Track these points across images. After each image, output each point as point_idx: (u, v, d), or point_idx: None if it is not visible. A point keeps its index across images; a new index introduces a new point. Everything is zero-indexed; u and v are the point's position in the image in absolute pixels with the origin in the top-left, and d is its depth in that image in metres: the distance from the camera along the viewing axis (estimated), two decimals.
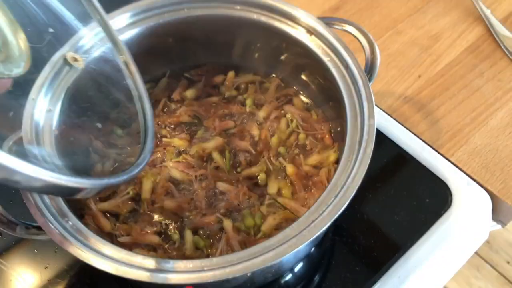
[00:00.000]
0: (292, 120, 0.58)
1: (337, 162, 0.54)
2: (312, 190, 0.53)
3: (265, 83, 0.62)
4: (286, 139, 0.57)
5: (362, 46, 0.51)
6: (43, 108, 0.48)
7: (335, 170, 0.52)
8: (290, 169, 0.54)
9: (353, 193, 0.40)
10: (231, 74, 0.62)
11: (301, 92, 0.61)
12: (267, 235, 0.48)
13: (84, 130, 0.57)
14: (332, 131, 0.57)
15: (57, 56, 0.50)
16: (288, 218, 0.50)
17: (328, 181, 0.52)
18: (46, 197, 0.42)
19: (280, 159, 0.55)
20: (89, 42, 0.53)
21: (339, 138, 0.54)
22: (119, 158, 0.55)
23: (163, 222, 0.51)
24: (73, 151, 0.52)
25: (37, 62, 0.51)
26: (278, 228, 0.50)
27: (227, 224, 0.49)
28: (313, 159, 0.55)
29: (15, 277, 0.54)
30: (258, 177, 0.54)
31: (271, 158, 0.55)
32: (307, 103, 0.60)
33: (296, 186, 0.53)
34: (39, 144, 0.45)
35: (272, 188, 0.53)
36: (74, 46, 0.51)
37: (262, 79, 0.62)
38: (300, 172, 0.54)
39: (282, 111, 0.59)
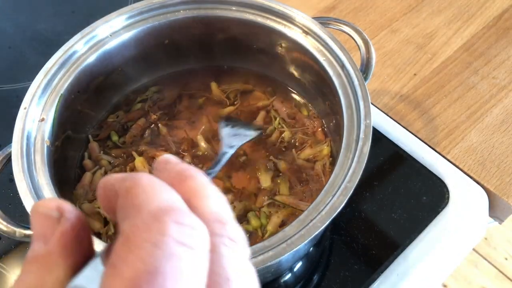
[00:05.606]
0: (275, 118, 0.59)
1: (331, 155, 0.55)
2: (310, 184, 0.53)
3: (255, 91, 0.62)
4: (266, 138, 0.57)
5: (358, 45, 0.51)
6: (36, 118, 0.48)
7: (330, 163, 0.52)
8: (283, 165, 0.54)
9: (351, 192, 0.40)
10: (214, 86, 0.62)
11: (296, 92, 0.61)
12: (274, 234, 0.49)
13: (80, 134, 0.57)
14: (325, 126, 0.57)
15: (50, 63, 0.51)
16: (291, 214, 0.51)
17: (324, 173, 0.53)
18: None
19: (271, 157, 0.55)
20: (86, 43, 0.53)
21: (333, 132, 0.55)
22: (109, 167, 0.55)
23: None
24: (64, 161, 0.52)
25: (30, 71, 0.51)
26: (283, 225, 0.50)
27: None
28: (306, 153, 0.55)
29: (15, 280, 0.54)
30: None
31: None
32: (303, 104, 0.60)
33: (291, 181, 0.53)
34: (29, 157, 0.45)
35: (265, 182, 0.53)
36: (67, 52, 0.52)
37: (253, 88, 0.62)
38: (293, 167, 0.54)
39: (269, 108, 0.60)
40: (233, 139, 0.50)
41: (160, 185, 0.18)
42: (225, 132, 0.52)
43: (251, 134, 0.53)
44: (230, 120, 0.55)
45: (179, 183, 0.19)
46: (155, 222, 0.16)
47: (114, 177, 0.19)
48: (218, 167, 0.46)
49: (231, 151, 0.48)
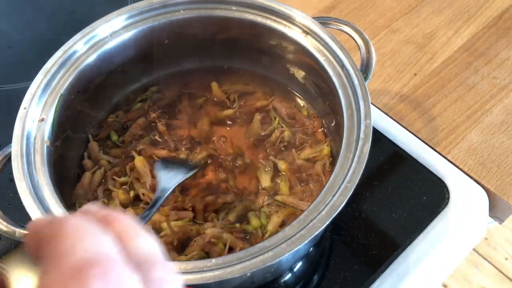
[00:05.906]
0: (275, 118, 0.58)
1: (331, 155, 0.55)
2: (310, 184, 0.53)
3: (255, 93, 0.62)
4: (265, 138, 0.57)
5: (358, 45, 0.51)
6: (36, 118, 0.48)
7: (330, 163, 0.52)
8: (283, 165, 0.54)
9: (351, 192, 0.40)
10: (214, 86, 0.62)
11: (297, 93, 0.61)
12: (274, 234, 0.49)
13: (79, 133, 0.57)
14: (325, 126, 0.57)
15: (50, 63, 0.51)
16: (291, 214, 0.51)
17: (324, 173, 0.53)
18: (44, 200, 0.43)
19: (271, 157, 0.55)
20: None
21: (333, 132, 0.55)
22: (108, 167, 0.55)
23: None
24: (64, 161, 0.52)
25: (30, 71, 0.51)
26: (283, 225, 0.50)
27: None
28: (306, 153, 0.55)
29: (14, 280, 0.54)
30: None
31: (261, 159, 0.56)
32: (303, 104, 0.60)
33: (291, 181, 0.53)
34: (28, 157, 0.45)
35: (265, 182, 0.53)
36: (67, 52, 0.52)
37: (253, 89, 0.62)
38: (293, 167, 0.54)
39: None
40: (169, 181, 0.49)
41: (89, 229, 0.17)
42: (161, 174, 0.50)
43: (188, 173, 0.52)
44: (166, 161, 0.54)
45: (106, 227, 0.18)
46: (76, 278, 0.14)
47: (42, 220, 0.18)
48: (152, 212, 0.45)
49: (165, 195, 0.47)
